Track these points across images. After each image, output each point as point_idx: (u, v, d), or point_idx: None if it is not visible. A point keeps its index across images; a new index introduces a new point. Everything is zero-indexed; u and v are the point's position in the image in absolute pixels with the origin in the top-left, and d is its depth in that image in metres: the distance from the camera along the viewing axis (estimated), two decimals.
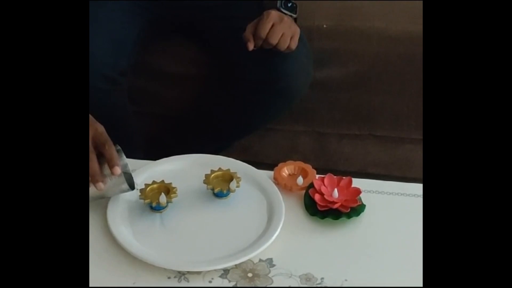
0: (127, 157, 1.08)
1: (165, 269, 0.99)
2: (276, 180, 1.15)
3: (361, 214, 1.09)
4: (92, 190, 1.03)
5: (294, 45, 1.40)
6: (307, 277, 0.99)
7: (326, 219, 1.08)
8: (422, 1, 0.93)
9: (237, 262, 1.00)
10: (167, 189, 1.09)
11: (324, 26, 1.60)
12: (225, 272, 0.99)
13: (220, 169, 1.14)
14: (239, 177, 1.12)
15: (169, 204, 1.08)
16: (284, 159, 1.20)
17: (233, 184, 1.11)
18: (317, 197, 1.10)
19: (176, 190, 1.09)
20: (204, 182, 1.12)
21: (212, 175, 1.13)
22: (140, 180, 1.11)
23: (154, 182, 1.11)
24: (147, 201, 1.07)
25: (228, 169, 1.14)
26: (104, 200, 1.08)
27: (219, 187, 1.11)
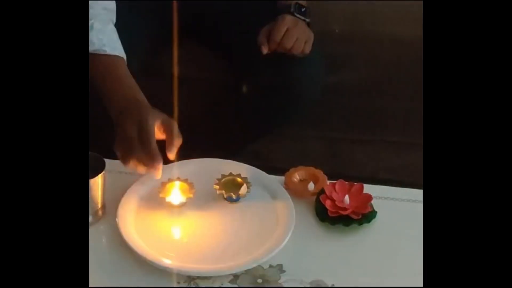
0: None
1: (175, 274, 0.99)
2: (287, 186, 1.15)
3: (372, 221, 1.08)
4: None
5: (308, 50, 1.39)
6: (318, 283, 0.98)
7: (337, 225, 1.07)
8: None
9: (247, 267, 0.99)
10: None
11: (336, 30, 1.59)
12: (235, 278, 0.99)
13: (230, 173, 1.14)
14: (249, 182, 1.12)
15: (180, 208, 1.09)
16: (295, 164, 1.19)
17: (243, 189, 1.11)
18: (328, 203, 1.09)
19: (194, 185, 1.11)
20: (215, 186, 1.11)
21: (223, 180, 1.13)
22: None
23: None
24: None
25: (239, 174, 1.14)
26: (114, 203, 1.08)
27: (230, 192, 1.10)
